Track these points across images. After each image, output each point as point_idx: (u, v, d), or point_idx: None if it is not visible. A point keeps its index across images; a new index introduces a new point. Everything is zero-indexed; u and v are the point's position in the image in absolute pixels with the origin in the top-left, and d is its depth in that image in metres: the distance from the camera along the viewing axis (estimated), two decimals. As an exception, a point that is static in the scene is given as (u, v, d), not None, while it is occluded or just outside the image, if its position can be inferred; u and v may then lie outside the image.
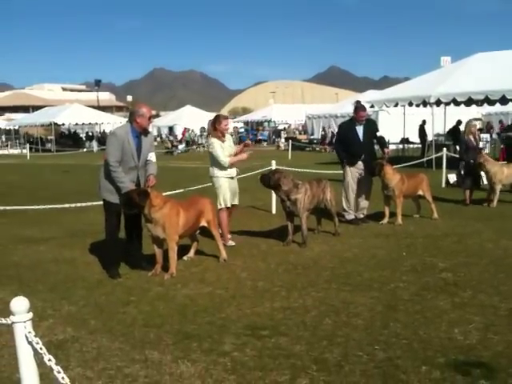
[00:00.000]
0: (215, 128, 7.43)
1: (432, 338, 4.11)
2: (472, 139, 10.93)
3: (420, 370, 3.57)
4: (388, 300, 5.01)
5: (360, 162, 8.94)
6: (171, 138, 54.44)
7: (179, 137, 52.90)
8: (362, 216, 9.12)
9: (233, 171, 7.55)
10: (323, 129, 37.84)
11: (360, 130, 8.95)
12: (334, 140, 22.09)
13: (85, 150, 37.06)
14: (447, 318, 4.52)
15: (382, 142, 9.43)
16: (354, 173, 9.00)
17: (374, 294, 5.18)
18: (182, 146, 38.43)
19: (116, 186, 5.98)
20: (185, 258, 6.75)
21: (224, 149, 7.40)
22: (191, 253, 6.89)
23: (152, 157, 6.27)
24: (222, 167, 7.42)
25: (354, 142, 8.92)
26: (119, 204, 5.99)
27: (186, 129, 49.94)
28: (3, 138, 47.98)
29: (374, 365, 3.67)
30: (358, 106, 9.18)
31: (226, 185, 7.46)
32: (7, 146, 45.97)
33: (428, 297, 5.09)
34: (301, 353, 3.89)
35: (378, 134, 9.31)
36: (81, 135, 48.19)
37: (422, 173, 9.70)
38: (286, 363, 3.72)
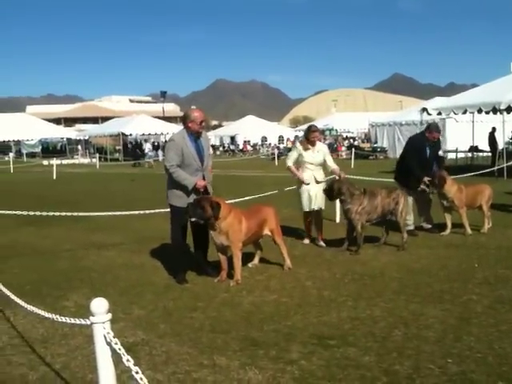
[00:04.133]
0: (306, 137, 8.21)
1: (507, 352, 3.93)
2: None
3: (496, 386, 3.43)
4: (460, 312, 4.83)
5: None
6: (232, 147, 55.24)
7: (241, 146, 53.49)
8: (428, 226, 8.88)
9: (308, 176, 8.06)
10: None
11: (428, 147, 8.78)
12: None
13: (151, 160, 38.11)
14: (524, 332, 4.31)
15: (441, 162, 9.21)
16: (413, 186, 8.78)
17: (446, 306, 5.01)
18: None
19: (183, 190, 6.12)
20: (250, 265, 6.82)
21: (303, 156, 8.07)
22: (256, 260, 6.94)
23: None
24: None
25: (422, 158, 8.70)
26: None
27: (245, 142, 50.61)
28: (79, 147, 49.90)
29: (447, 378, 3.55)
30: (433, 128, 8.88)
31: (303, 190, 8.07)
32: (78, 155, 47.94)
33: (502, 310, 4.87)
34: (370, 364, 3.81)
35: (440, 153, 9.14)
36: (143, 146, 49.60)
37: (485, 184, 9.21)
38: (355, 374, 3.66)
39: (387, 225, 7.89)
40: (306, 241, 8.26)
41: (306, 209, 8.09)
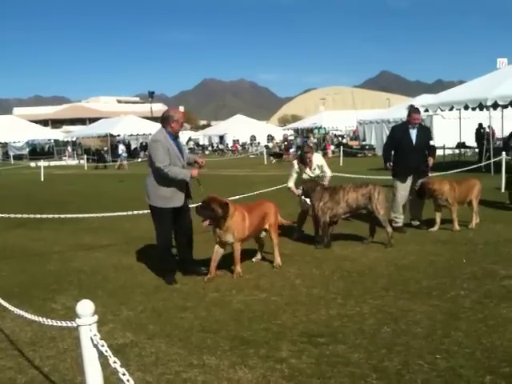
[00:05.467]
0: (301, 158, 8.52)
1: (496, 346, 3.96)
2: None
3: (484, 380, 3.45)
4: (448, 308, 4.86)
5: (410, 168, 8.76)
6: (221, 146, 55.21)
7: (230, 145, 53.47)
8: (416, 223, 8.95)
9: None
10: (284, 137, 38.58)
11: (413, 133, 8.77)
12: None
13: (139, 160, 37.91)
14: (511, 326, 4.35)
15: (432, 151, 9.09)
16: (405, 179, 8.82)
17: (434, 302, 5.04)
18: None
19: (170, 190, 6.17)
20: (253, 259, 7.02)
21: (302, 173, 8.49)
22: (259, 255, 7.12)
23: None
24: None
25: (405, 144, 8.75)
26: (174, 208, 6.21)
27: (235, 141, 50.70)
28: (69, 149, 49.49)
29: (436, 374, 3.57)
30: (412, 109, 8.99)
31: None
32: (66, 157, 47.60)
33: (490, 305, 4.91)
34: (359, 361, 3.82)
35: (431, 142, 9.12)
36: (134, 146, 49.31)
37: (474, 178, 9.30)
38: (345, 371, 3.67)
39: (372, 223, 7.91)
40: (295, 235, 8.49)
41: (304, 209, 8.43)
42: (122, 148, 37.19)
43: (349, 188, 7.66)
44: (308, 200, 7.93)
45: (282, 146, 39.46)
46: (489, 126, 20.84)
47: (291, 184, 8.47)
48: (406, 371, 3.63)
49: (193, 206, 6.63)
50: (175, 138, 6.38)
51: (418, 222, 8.96)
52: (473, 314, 4.67)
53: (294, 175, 8.49)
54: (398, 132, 9.03)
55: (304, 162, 8.39)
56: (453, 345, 4.03)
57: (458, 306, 4.90)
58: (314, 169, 8.39)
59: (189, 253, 6.61)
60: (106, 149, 43.13)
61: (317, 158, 8.52)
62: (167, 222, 6.27)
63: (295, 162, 8.65)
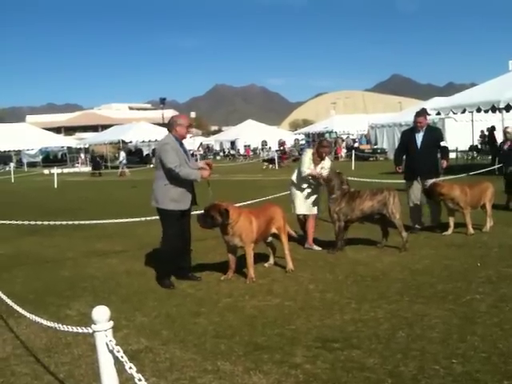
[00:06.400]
0: (317, 150, 8.18)
1: (512, 351, 3.92)
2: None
3: (502, 386, 3.41)
4: (464, 312, 4.82)
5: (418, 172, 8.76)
6: (233, 151, 55.27)
7: (241, 151, 53.55)
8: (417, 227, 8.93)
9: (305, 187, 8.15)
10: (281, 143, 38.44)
11: (419, 136, 8.78)
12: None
13: (151, 165, 38.05)
14: (529, 331, 4.30)
15: (444, 153, 9.05)
16: (412, 183, 8.83)
17: (449, 307, 5.00)
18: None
19: (182, 192, 6.24)
20: (266, 264, 7.03)
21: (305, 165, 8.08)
22: (271, 260, 7.12)
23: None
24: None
25: (411, 148, 8.84)
26: (183, 210, 6.30)
27: (246, 147, 50.81)
28: (82, 156, 49.72)
29: (452, 379, 3.54)
30: (418, 112, 9.05)
31: (294, 192, 8.20)
32: (78, 163, 47.92)
33: (506, 309, 4.86)
34: (375, 366, 3.80)
35: (443, 143, 9.06)
36: (147, 152, 49.53)
37: (487, 182, 9.21)
38: (360, 376, 3.65)
39: (384, 226, 7.90)
40: (316, 247, 8.11)
41: (298, 211, 8.21)
42: (122, 155, 37.07)
43: (366, 196, 7.64)
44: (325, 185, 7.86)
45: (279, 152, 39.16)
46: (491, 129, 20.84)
47: (308, 170, 7.98)
48: (422, 376, 3.60)
49: (194, 213, 6.68)
50: (181, 142, 6.49)
51: (418, 227, 8.95)
52: (488, 318, 4.62)
53: (308, 161, 8.08)
54: (405, 136, 9.19)
55: (319, 155, 8.15)
56: (469, 349, 3.99)
57: (473, 311, 4.85)
58: (322, 167, 8.13)
59: (188, 259, 6.66)
60: (103, 155, 43.32)
61: (327, 162, 8.39)
62: (176, 225, 6.31)
63: (309, 151, 8.39)
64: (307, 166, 8.03)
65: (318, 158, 8.15)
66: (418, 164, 8.69)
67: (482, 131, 23.60)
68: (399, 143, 9.47)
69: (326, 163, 8.33)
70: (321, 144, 8.31)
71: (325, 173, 7.99)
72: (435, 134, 9.11)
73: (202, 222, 6.22)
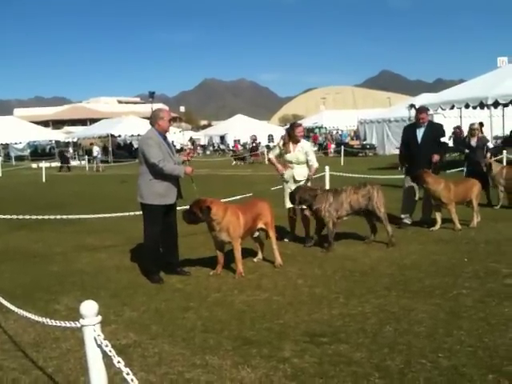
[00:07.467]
0: (289, 134, 8.14)
1: (498, 345, 3.97)
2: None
3: (486, 379, 3.46)
4: (451, 307, 4.87)
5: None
6: (222, 146, 55.15)
7: (231, 146, 53.43)
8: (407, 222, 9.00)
9: (287, 175, 8.13)
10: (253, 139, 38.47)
11: (420, 132, 8.85)
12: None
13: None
14: (514, 325, 4.36)
15: (440, 148, 9.19)
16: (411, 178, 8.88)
17: (436, 301, 5.05)
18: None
19: (166, 187, 6.24)
20: (254, 259, 7.06)
21: (284, 155, 8.13)
22: (260, 255, 7.13)
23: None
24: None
25: (412, 144, 8.92)
26: (169, 204, 6.31)
27: (235, 142, 50.65)
28: (70, 150, 49.17)
29: (439, 373, 3.58)
30: (420, 108, 9.15)
31: (284, 187, 8.24)
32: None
33: (492, 303, 4.92)
34: (362, 360, 3.83)
35: (442, 139, 9.20)
36: (136, 146, 49.31)
37: (474, 179, 9.33)
38: (347, 370, 3.68)
39: (371, 222, 7.95)
40: (286, 239, 8.23)
41: (287, 205, 8.17)
42: (96, 150, 36.73)
43: (349, 190, 7.68)
44: (304, 207, 7.84)
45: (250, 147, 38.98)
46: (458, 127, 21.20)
47: (272, 155, 8.36)
48: (409, 370, 3.64)
49: (179, 208, 6.70)
50: (164, 137, 6.47)
51: (409, 222, 9.01)
52: (475, 313, 4.68)
53: (277, 149, 8.31)
54: (407, 132, 9.24)
55: (291, 137, 8.06)
56: (455, 343, 4.04)
57: (460, 305, 4.91)
58: (299, 151, 8.01)
59: (175, 255, 6.67)
60: (71, 150, 43.04)
61: (304, 143, 8.30)
62: (159, 222, 6.32)
63: (281, 142, 8.37)
64: (274, 153, 8.34)
65: (294, 142, 8.05)
66: (418, 159, 8.76)
67: (455, 128, 23.68)
68: (401, 140, 9.49)
69: (305, 145, 8.22)
70: (293, 126, 8.24)
71: (302, 157, 8.00)
72: (436, 130, 9.19)
73: (186, 218, 6.29)
